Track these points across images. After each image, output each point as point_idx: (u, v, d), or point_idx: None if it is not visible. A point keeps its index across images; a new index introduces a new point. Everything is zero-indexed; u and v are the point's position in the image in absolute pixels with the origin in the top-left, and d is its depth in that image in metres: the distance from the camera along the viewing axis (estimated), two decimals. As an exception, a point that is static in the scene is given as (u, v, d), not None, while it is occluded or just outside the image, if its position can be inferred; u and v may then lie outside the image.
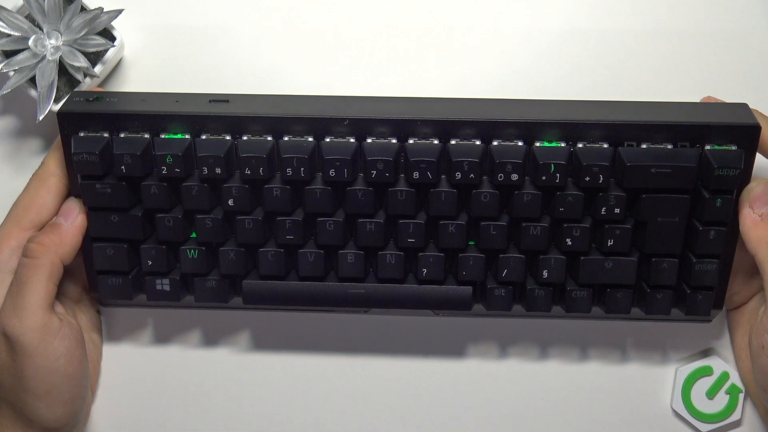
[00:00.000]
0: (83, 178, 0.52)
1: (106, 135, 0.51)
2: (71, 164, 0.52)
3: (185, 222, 0.53)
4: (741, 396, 0.57)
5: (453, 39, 0.57)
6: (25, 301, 0.50)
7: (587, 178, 0.50)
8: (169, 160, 0.50)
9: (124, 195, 0.52)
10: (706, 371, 0.57)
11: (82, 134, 0.51)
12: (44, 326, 0.50)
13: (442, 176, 0.51)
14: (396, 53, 0.57)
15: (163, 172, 0.51)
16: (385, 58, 0.57)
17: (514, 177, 0.50)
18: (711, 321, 0.54)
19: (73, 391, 0.52)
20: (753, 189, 0.50)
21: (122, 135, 0.51)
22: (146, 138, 0.51)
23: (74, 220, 0.52)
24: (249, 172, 0.51)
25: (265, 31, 0.58)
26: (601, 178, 0.50)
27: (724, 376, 0.57)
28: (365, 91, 0.57)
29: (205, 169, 0.51)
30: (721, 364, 0.57)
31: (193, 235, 0.53)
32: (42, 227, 0.53)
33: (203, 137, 0.51)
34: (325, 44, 0.58)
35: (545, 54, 0.57)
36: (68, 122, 0.51)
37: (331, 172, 0.50)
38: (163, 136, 0.51)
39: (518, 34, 0.57)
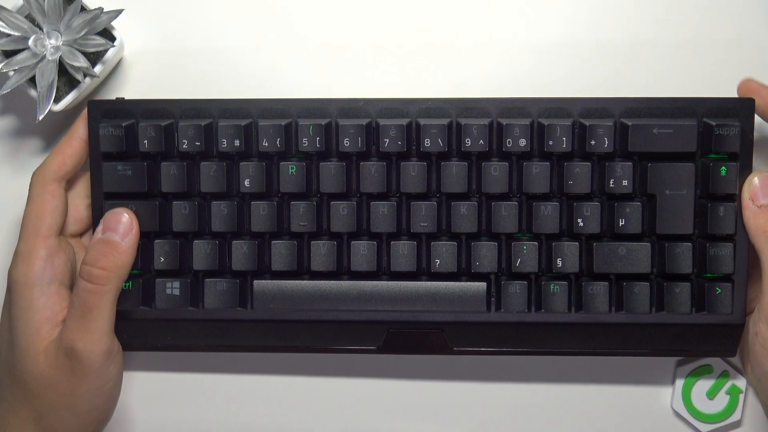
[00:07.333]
0: (105, 158, 0.53)
1: (132, 121, 0.53)
2: (93, 150, 0.53)
3: (201, 211, 0.53)
4: (741, 396, 0.57)
5: (453, 45, 0.57)
6: (92, 325, 0.50)
7: (592, 142, 0.51)
8: (191, 132, 0.52)
9: (144, 178, 0.52)
10: (707, 371, 0.57)
11: (109, 119, 0.53)
12: (109, 350, 0.51)
13: (453, 149, 0.52)
14: (395, 59, 0.58)
15: (184, 146, 0.52)
16: (384, 63, 0.58)
17: (522, 143, 0.51)
18: (735, 323, 0.53)
19: (109, 412, 0.54)
20: (752, 181, 0.51)
21: (148, 120, 0.53)
22: (170, 120, 0.53)
23: (128, 235, 0.52)
24: (267, 144, 0.52)
25: (264, 32, 0.58)
26: (606, 142, 0.51)
27: (725, 376, 0.57)
28: (366, 95, 0.57)
29: (224, 142, 0.52)
30: (722, 364, 0.57)
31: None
32: (60, 230, 0.53)
33: (223, 119, 0.53)
34: (325, 46, 0.58)
35: (545, 60, 0.57)
36: (97, 109, 0.53)
37: (345, 142, 0.52)
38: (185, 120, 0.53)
39: (519, 40, 0.57)
